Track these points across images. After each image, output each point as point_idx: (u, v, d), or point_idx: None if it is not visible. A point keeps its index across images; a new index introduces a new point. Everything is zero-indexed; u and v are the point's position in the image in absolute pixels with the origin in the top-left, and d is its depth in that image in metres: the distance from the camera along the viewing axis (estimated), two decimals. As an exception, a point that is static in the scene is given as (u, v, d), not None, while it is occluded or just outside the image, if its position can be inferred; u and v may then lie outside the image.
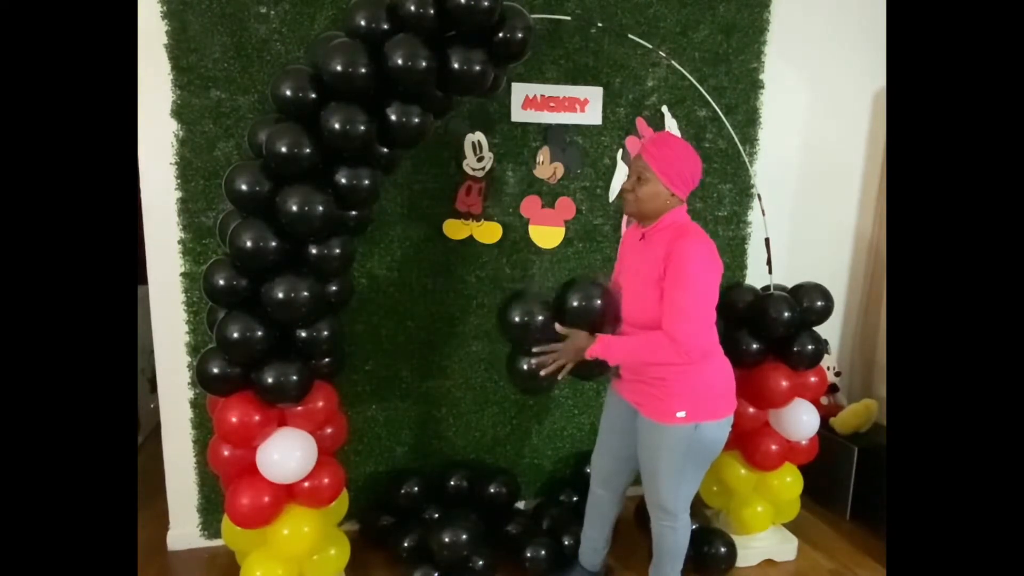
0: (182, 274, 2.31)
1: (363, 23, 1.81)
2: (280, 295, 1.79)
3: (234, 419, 1.86)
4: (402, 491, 2.53)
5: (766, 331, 2.29)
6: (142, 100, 2.15)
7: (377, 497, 2.61)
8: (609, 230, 2.70)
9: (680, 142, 1.87)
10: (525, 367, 1.97)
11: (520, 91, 2.49)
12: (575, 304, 1.93)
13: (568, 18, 2.43)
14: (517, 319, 1.96)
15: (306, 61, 2.17)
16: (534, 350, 1.90)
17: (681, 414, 1.83)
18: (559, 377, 1.93)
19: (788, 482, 2.49)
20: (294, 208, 1.76)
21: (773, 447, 2.40)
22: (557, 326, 1.91)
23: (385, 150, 1.98)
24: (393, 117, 1.86)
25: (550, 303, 2.00)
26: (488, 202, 2.54)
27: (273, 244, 1.79)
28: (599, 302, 1.93)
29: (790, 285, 2.41)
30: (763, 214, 2.43)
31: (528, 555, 2.33)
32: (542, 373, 1.91)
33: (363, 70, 1.77)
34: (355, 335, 2.49)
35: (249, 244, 1.77)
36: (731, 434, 1.99)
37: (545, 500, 2.72)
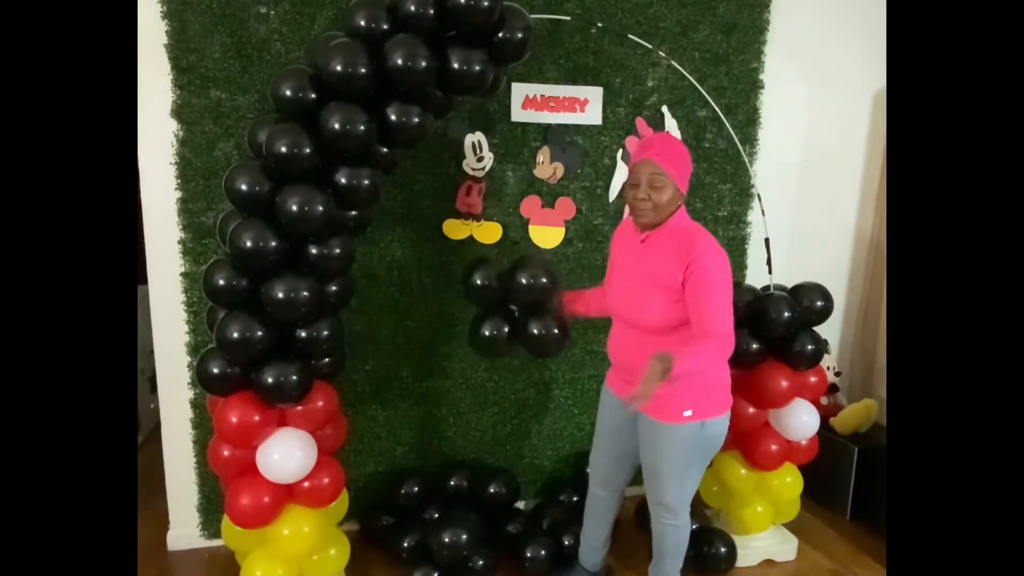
0: (182, 274, 2.31)
1: (363, 23, 1.81)
2: (280, 295, 1.79)
3: (234, 419, 1.86)
4: (402, 491, 2.53)
5: (766, 331, 2.28)
6: (142, 100, 2.14)
7: (377, 497, 2.61)
8: (609, 230, 2.70)
9: (676, 139, 1.89)
10: (487, 333, 2.10)
11: (520, 91, 2.49)
12: (523, 281, 2.06)
13: (568, 18, 2.43)
14: (479, 282, 2.13)
15: (306, 61, 2.17)
16: (634, 398, 1.65)
17: (688, 413, 1.85)
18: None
19: (788, 482, 2.49)
20: (294, 208, 1.76)
21: (773, 447, 2.40)
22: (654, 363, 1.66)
23: (385, 150, 1.98)
24: (393, 117, 1.86)
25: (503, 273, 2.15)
26: (488, 202, 2.54)
27: (273, 244, 1.79)
28: (545, 280, 2.06)
29: (790, 285, 2.41)
30: (763, 214, 2.43)
31: (528, 555, 2.33)
32: (637, 407, 1.67)
33: (363, 70, 1.77)
34: (355, 335, 2.49)
35: (249, 244, 1.77)
36: (731, 434, 1.99)
37: (545, 500, 2.72)
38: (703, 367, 1.78)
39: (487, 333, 2.11)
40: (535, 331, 2.08)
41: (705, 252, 1.75)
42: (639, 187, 1.81)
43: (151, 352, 2.42)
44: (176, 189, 2.25)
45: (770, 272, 2.40)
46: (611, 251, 2.07)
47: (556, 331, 2.10)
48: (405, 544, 2.36)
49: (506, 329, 2.13)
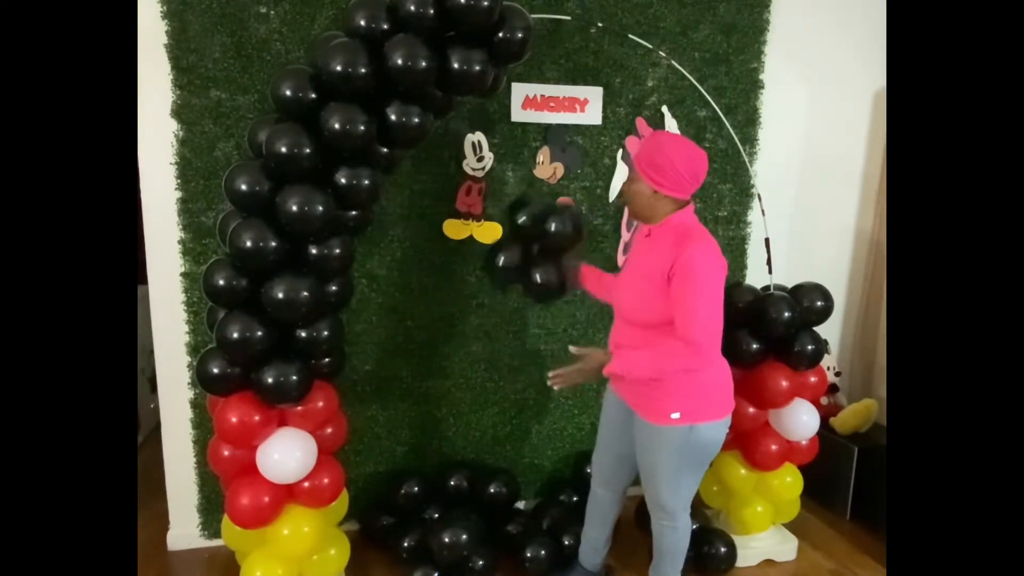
0: (182, 274, 2.31)
1: (363, 23, 1.81)
2: (280, 295, 1.79)
3: (234, 419, 1.86)
4: (402, 491, 2.53)
5: (766, 331, 2.28)
6: (142, 100, 2.15)
7: (377, 497, 2.61)
8: (609, 230, 2.70)
9: (674, 142, 1.81)
10: (500, 262, 2.36)
11: (520, 91, 2.49)
12: (554, 228, 2.26)
13: (568, 18, 2.43)
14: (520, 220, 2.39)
15: (306, 61, 2.17)
16: (550, 374, 1.91)
17: (675, 415, 1.83)
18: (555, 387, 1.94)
19: (788, 482, 2.49)
20: (294, 208, 1.76)
21: (773, 447, 2.40)
22: (572, 348, 1.93)
23: (385, 150, 1.98)
24: (393, 117, 1.86)
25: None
26: (488, 202, 2.54)
27: (273, 244, 1.79)
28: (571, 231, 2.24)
29: (790, 285, 2.41)
30: (763, 214, 2.43)
31: (528, 555, 2.33)
32: (556, 387, 1.92)
33: (363, 70, 1.77)
34: (355, 335, 2.49)
35: (249, 244, 1.77)
36: (731, 434, 1.98)
37: (545, 500, 2.72)
38: (661, 370, 1.80)
39: (502, 260, 2.34)
40: (538, 278, 2.28)
41: (696, 252, 1.71)
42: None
43: (151, 352, 2.42)
44: (176, 189, 2.25)
45: (770, 272, 2.40)
46: (630, 252, 2.10)
47: (556, 282, 2.29)
48: (405, 544, 2.36)
49: (518, 259, 2.36)
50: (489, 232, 2.55)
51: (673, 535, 2.02)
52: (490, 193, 2.54)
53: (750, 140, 2.78)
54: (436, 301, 2.57)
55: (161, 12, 2.13)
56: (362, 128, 1.79)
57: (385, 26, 1.81)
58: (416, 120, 1.88)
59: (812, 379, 2.42)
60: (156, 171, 2.23)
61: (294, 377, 1.87)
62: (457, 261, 2.56)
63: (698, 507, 2.32)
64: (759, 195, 2.49)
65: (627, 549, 2.53)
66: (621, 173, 2.65)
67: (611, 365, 1.82)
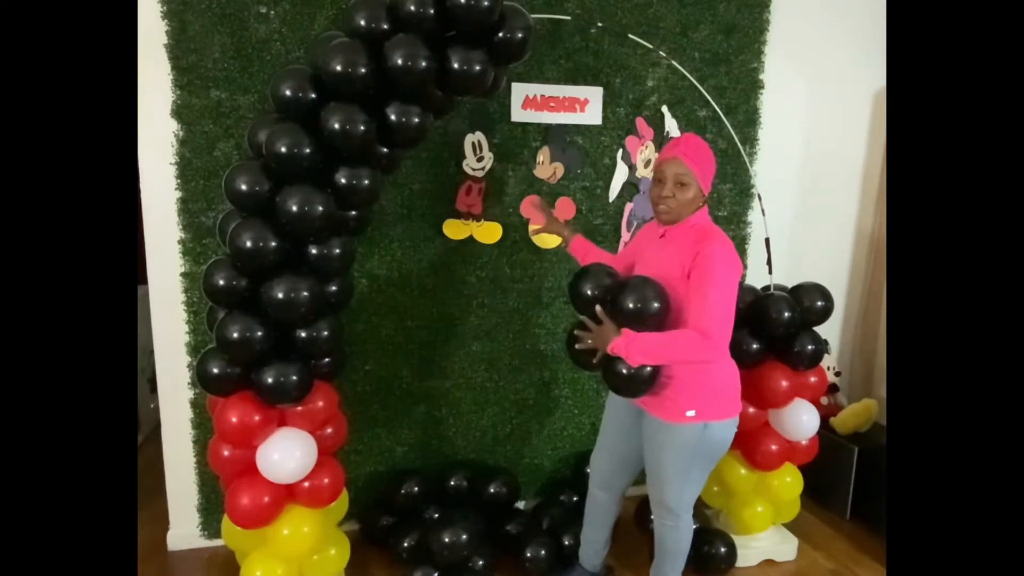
0: (182, 274, 2.31)
1: (363, 23, 1.81)
2: (280, 295, 1.79)
3: (234, 419, 1.86)
4: (402, 491, 2.53)
5: (766, 331, 2.28)
6: (142, 100, 2.14)
7: (377, 497, 2.61)
8: (609, 230, 2.70)
9: (705, 143, 1.88)
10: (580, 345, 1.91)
11: (520, 91, 2.49)
12: (631, 306, 1.80)
13: (568, 18, 2.43)
14: (589, 293, 1.88)
15: (306, 61, 2.17)
16: (581, 319, 1.87)
17: (691, 413, 1.84)
18: (594, 360, 1.88)
19: (788, 482, 2.49)
20: (294, 208, 1.76)
21: (773, 447, 2.40)
22: (597, 308, 1.83)
23: (385, 150, 1.98)
24: (393, 117, 1.86)
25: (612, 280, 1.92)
26: (488, 202, 2.54)
27: (273, 244, 1.79)
28: (656, 305, 1.80)
29: (790, 285, 2.41)
30: (763, 214, 2.43)
31: (528, 555, 2.33)
32: (576, 346, 1.89)
33: (363, 70, 1.77)
34: (355, 335, 2.49)
35: (249, 244, 1.77)
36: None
37: (545, 500, 2.72)
38: (668, 359, 1.78)
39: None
40: (623, 370, 1.85)
41: (716, 250, 1.75)
42: (664, 184, 1.83)
43: (151, 352, 2.42)
44: (176, 189, 2.25)
45: (770, 272, 2.40)
46: (633, 240, 2.08)
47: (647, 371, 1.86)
48: (405, 544, 2.36)
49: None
50: (489, 232, 2.55)
51: (675, 535, 2.02)
52: (490, 193, 2.54)
53: (750, 140, 2.78)
54: (436, 301, 2.57)
55: (161, 12, 2.13)
56: (362, 128, 1.79)
57: (385, 26, 1.80)
58: (416, 120, 1.88)
59: (812, 379, 2.42)
60: (156, 171, 2.23)
61: (294, 377, 1.87)
62: (457, 261, 2.56)
63: (698, 507, 2.31)
64: (759, 195, 2.49)
65: (627, 549, 2.53)
66: (621, 173, 2.65)
67: (615, 343, 1.74)
